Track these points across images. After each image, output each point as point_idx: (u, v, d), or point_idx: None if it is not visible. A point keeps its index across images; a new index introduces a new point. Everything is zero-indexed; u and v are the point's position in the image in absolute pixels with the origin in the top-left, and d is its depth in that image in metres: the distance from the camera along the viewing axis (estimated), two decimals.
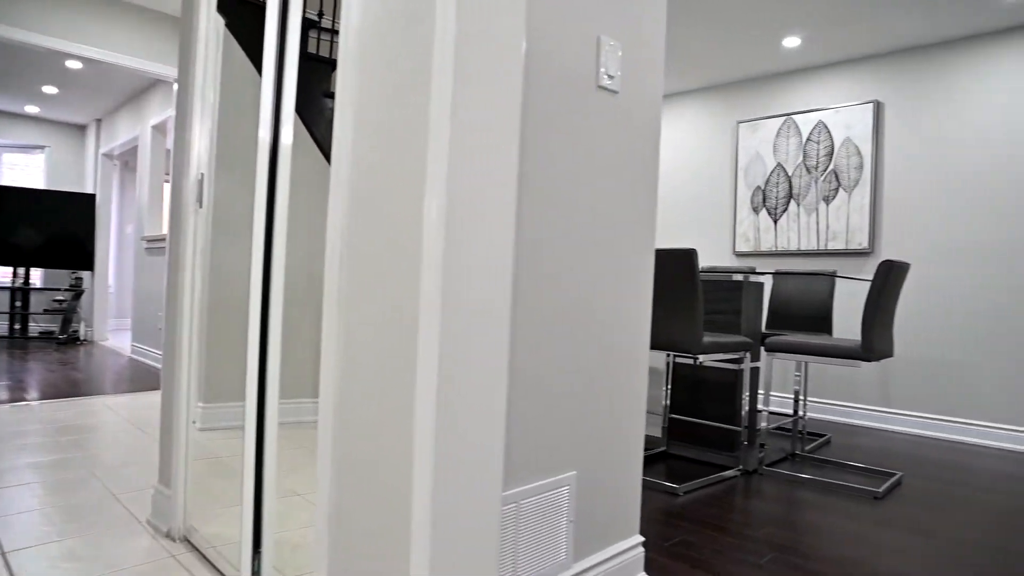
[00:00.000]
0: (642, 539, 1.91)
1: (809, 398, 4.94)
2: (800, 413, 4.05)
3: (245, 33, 2.68)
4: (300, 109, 3.20)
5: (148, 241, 6.37)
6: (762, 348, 4.27)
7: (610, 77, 1.67)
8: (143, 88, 6.92)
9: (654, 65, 1.86)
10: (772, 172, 5.18)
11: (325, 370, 1.29)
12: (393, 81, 1.14)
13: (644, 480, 3.05)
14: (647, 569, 2.09)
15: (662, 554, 2.24)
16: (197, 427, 3.35)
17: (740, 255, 5.36)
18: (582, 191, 1.64)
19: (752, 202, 5.28)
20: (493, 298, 1.08)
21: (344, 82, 1.27)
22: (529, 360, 1.51)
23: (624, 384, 1.82)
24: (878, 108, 4.74)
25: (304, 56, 3.29)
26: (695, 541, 2.37)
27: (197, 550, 1.99)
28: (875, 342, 3.05)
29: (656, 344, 2.97)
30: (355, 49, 1.25)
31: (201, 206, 2.05)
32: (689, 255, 2.81)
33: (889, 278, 3.03)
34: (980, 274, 4.32)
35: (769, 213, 5.18)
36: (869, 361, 3.04)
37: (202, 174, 2.05)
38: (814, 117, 5.00)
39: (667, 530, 2.47)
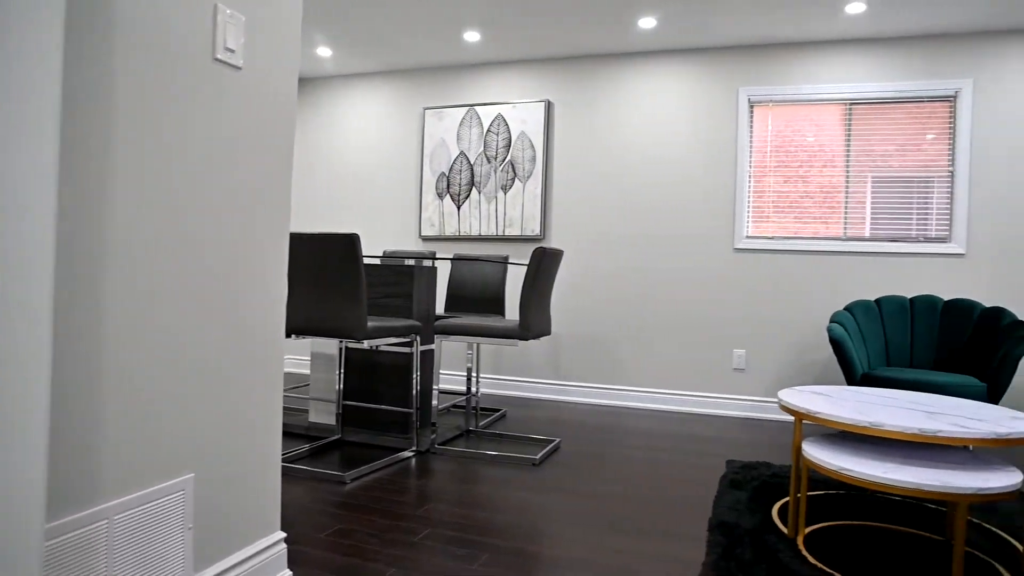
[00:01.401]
0: (283, 535, 1.84)
1: (489, 375, 5.26)
2: (473, 391, 4.29)
3: None
4: None
5: None
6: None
7: (230, 50, 1.55)
8: None
9: (288, 40, 1.77)
10: (456, 160, 5.39)
11: None
12: None
13: (310, 471, 2.98)
14: (293, 565, 2.03)
15: (316, 546, 2.19)
16: None
17: (426, 239, 5.51)
18: (197, 172, 1.50)
19: (437, 188, 5.44)
20: (19, 291, 0.92)
21: None
22: (126, 357, 1.34)
23: (254, 375, 1.72)
24: (549, 107, 5.16)
25: None
26: (353, 528, 2.36)
27: None
28: (531, 322, 3.31)
29: (320, 330, 2.90)
30: None
31: None
32: (351, 240, 2.78)
33: (543, 263, 3.31)
34: (619, 260, 4.96)
35: (453, 199, 5.39)
36: (526, 339, 3.30)
37: None
38: (494, 110, 5.29)
39: (326, 520, 2.43)
